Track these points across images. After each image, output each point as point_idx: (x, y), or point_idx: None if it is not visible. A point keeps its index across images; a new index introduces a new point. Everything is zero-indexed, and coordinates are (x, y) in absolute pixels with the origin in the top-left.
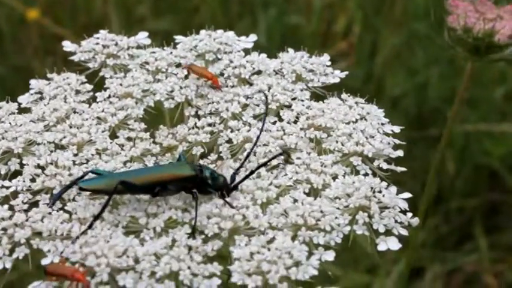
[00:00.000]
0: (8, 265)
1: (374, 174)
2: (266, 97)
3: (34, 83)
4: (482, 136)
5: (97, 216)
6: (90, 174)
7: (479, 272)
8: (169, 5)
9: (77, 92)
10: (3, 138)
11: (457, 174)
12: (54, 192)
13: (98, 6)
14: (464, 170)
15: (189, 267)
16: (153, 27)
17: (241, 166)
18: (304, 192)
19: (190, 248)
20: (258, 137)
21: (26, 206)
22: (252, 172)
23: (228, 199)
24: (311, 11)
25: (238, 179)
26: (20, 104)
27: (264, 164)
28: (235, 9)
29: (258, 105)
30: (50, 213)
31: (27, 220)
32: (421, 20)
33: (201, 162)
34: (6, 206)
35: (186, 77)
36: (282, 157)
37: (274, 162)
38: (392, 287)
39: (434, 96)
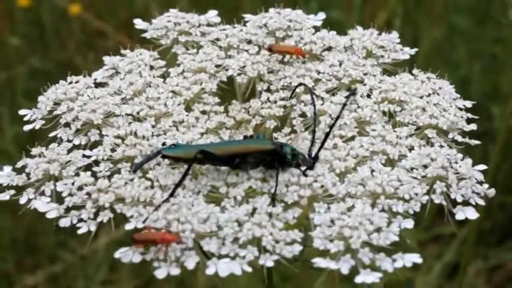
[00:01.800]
0: (93, 228)
1: (449, 147)
2: (311, 93)
3: (108, 59)
4: None
5: (179, 183)
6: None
7: None
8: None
9: (151, 67)
10: (82, 110)
11: (499, 169)
12: (135, 161)
13: (139, 1)
14: (506, 165)
15: (271, 234)
16: None
17: (311, 147)
18: (381, 163)
19: (271, 215)
20: (340, 113)
21: (108, 173)
22: (328, 134)
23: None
24: (352, 5)
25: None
26: (95, 79)
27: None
28: (277, 4)
29: (329, 80)
30: (132, 179)
31: (110, 186)
32: (463, 14)
33: (275, 135)
34: (89, 173)
35: (258, 53)
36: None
37: (349, 134)
38: (434, 283)
39: (476, 92)
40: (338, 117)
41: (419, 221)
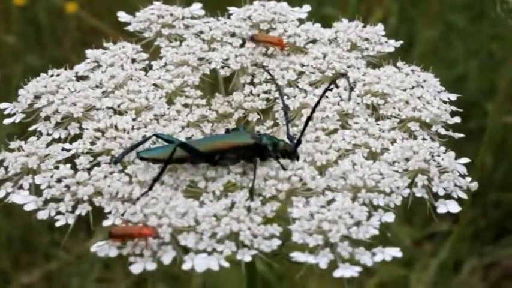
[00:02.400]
0: (71, 221)
1: (432, 140)
2: (269, 72)
3: (90, 52)
4: None
5: (157, 178)
6: (154, 137)
7: None
8: None
9: (133, 60)
10: (62, 103)
11: (495, 167)
12: (115, 154)
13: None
14: (502, 163)
15: (249, 228)
16: None
17: (288, 130)
18: (363, 156)
19: (249, 210)
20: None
21: (88, 166)
22: (309, 118)
23: (284, 161)
24: (347, 3)
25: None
26: (76, 72)
27: (323, 95)
28: None
29: (313, 73)
30: (111, 173)
31: (89, 179)
32: (458, 12)
33: (257, 128)
34: (68, 165)
35: (242, 45)
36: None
37: (331, 127)
38: (429, 281)
39: (472, 90)
40: (320, 99)
41: (413, 218)
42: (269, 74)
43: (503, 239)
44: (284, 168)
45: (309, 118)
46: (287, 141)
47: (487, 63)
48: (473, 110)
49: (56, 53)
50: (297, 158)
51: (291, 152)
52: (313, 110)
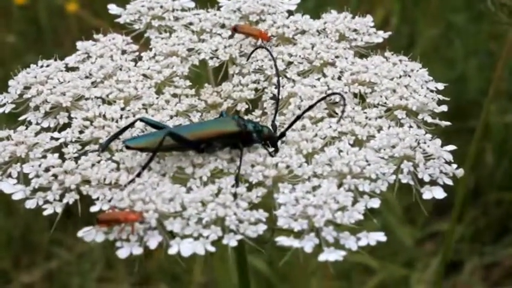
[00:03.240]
0: (58, 210)
1: (418, 127)
2: (269, 50)
3: (80, 44)
4: None
5: (145, 166)
6: (142, 124)
7: None
8: None
9: (123, 51)
10: (52, 93)
11: (496, 166)
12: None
13: None
14: (503, 162)
15: (235, 214)
16: None
17: (274, 117)
18: (349, 144)
19: (235, 195)
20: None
21: (76, 155)
22: (297, 117)
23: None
24: (348, 3)
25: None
26: (67, 64)
27: (311, 107)
28: None
29: (301, 63)
30: (98, 161)
31: (77, 167)
32: (459, 12)
33: (246, 118)
34: (56, 155)
35: (231, 36)
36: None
37: (318, 115)
38: (430, 281)
39: (473, 89)
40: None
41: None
42: (270, 53)
43: (503, 239)
44: (272, 156)
45: (298, 117)
46: (270, 128)
47: (486, 62)
48: (473, 109)
49: (56, 52)
50: (276, 150)
51: (273, 141)
52: (303, 114)
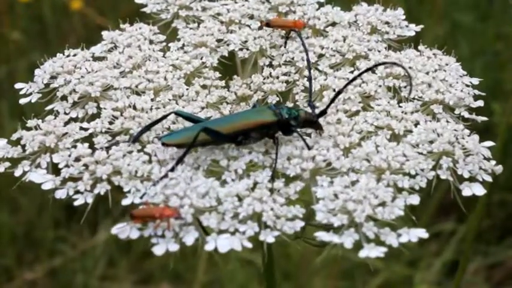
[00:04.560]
0: (89, 200)
1: (455, 123)
2: (300, 36)
3: (106, 34)
4: None
5: (179, 160)
6: (173, 115)
7: None
8: None
9: (151, 41)
10: (80, 82)
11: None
12: (133, 133)
13: None
14: (507, 163)
15: (271, 209)
16: None
17: (310, 96)
18: (386, 138)
19: (272, 190)
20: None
21: (106, 145)
22: (338, 93)
23: (308, 138)
24: (354, 1)
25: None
26: (93, 53)
27: (354, 79)
28: None
29: (333, 56)
30: (130, 152)
31: (108, 157)
32: (465, 11)
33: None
34: (87, 144)
35: (260, 28)
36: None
37: (353, 108)
38: (434, 280)
39: (479, 89)
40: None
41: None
42: (301, 40)
43: (507, 239)
44: (309, 148)
45: (339, 92)
46: (308, 109)
47: (492, 62)
48: (478, 108)
49: (60, 49)
50: (321, 128)
51: (312, 121)
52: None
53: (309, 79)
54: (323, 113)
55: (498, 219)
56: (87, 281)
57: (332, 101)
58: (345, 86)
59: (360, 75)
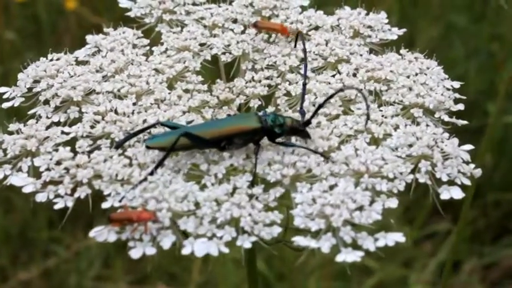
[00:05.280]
0: (70, 204)
1: (435, 126)
2: (303, 37)
3: (90, 37)
4: None
5: (159, 164)
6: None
7: None
8: None
9: (134, 46)
10: (62, 87)
11: (495, 167)
12: (116, 139)
13: None
14: (502, 163)
15: (250, 215)
16: None
17: (302, 103)
18: (366, 142)
19: (251, 196)
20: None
21: (88, 149)
22: (320, 106)
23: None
24: (348, 3)
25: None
26: (77, 58)
27: (332, 96)
28: None
29: (315, 59)
30: (111, 156)
31: (89, 161)
32: (459, 12)
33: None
34: (68, 148)
35: (243, 32)
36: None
37: (334, 112)
38: (428, 281)
39: (472, 90)
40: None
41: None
42: (303, 42)
43: (502, 240)
44: (307, 136)
45: (320, 106)
46: (295, 117)
47: (486, 63)
48: (472, 109)
49: (55, 49)
50: (308, 136)
51: (298, 130)
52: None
53: (303, 86)
54: (308, 122)
55: (493, 219)
56: (82, 281)
57: (315, 112)
58: (318, 108)
59: (325, 101)
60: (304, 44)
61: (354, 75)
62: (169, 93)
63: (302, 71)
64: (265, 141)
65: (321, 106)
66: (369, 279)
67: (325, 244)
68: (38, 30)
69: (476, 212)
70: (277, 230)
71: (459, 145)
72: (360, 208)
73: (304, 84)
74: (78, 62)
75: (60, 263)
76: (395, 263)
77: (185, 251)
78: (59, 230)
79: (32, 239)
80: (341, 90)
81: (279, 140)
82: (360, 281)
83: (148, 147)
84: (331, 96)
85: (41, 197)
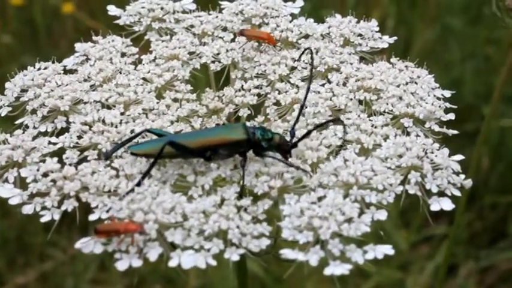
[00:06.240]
0: (56, 217)
1: (425, 136)
2: (312, 53)
3: (79, 45)
4: None
5: (145, 175)
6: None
7: None
8: None
9: (123, 54)
10: (49, 96)
11: (491, 170)
12: (103, 149)
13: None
14: (498, 166)
15: (237, 227)
16: None
17: (295, 123)
18: (355, 152)
19: (239, 207)
20: (305, 95)
21: (75, 160)
22: (309, 132)
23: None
24: (345, 6)
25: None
26: (65, 66)
27: (322, 125)
28: None
29: (305, 68)
30: (98, 169)
31: (76, 173)
32: (456, 15)
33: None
34: (55, 159)
35: (233, 40)
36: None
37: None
38: (425, 284)
39: (469, 92)
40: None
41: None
42: (311, 53)
43: (499, 243)
44: (294, 166)
45: (310, 132)
46: (285, 136)
47: (483, 66)
48: (469, 113)
49: (52, 53)
50: (288, 157)
51: (285, 149)
52: (302, 106)
53: (301, 108)
54: (294, 145)
55: (490, 222)
56: (78, 284)
57: (303, 137)
58: (307, 134)
59: (314, 129)
60: (312, 63)
61: (344, 84)
62: (157, 102)
63: (292, 80)
64: (251, 153)
65: (309, 133)
66: (366, 282)
67: (313, 257)
68: (34, 34)
69: (473, 215)
70: (265, 243)
71: (450, 154)
72: (349, 220)
73: (302, 107)
74: (66, 71)
75: (56, 266)
76: (392, 266)
77: (172, 263)
78: (55, 233)
79: (28, 243)
80: (330, 121)
81: (265, 153)
82: (357, 284)
83: (133, 154)
84: (321, 125)
85: (27, 209)
